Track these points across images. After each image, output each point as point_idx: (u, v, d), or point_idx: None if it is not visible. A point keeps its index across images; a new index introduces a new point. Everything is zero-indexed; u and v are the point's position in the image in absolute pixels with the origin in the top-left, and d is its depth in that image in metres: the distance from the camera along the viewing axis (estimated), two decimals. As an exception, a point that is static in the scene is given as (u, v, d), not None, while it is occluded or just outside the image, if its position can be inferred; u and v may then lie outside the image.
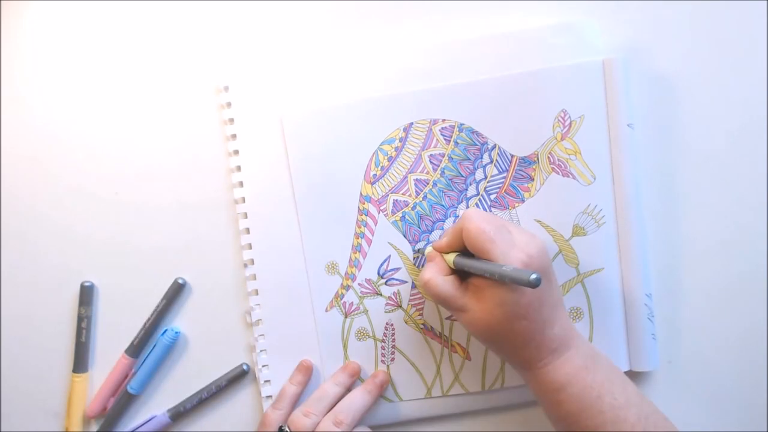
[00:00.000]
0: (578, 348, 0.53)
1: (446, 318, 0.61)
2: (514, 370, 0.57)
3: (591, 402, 0.50)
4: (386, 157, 0.60)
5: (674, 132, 0.60)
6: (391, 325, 0.61)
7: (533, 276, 0.46)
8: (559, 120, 0.59)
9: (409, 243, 0.60)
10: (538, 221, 0.59)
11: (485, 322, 0.51)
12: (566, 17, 0.59)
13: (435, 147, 0.59)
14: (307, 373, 0.61)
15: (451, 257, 0.54)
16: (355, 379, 0.61)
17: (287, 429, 0.57)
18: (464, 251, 0.53)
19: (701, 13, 0.60)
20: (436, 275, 0.53)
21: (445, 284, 0.52)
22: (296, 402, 0.60)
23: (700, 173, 0.60)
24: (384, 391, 0.61)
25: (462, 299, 0.52)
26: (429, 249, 0.57)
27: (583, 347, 0.53)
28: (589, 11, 0.60)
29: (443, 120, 0.59)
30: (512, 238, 0.51)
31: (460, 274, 0.54)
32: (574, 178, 0.59)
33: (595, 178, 0.58)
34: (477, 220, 0.51)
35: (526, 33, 0.59)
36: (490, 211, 0.59)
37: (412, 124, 0.59)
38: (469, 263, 0.52)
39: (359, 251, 0.60)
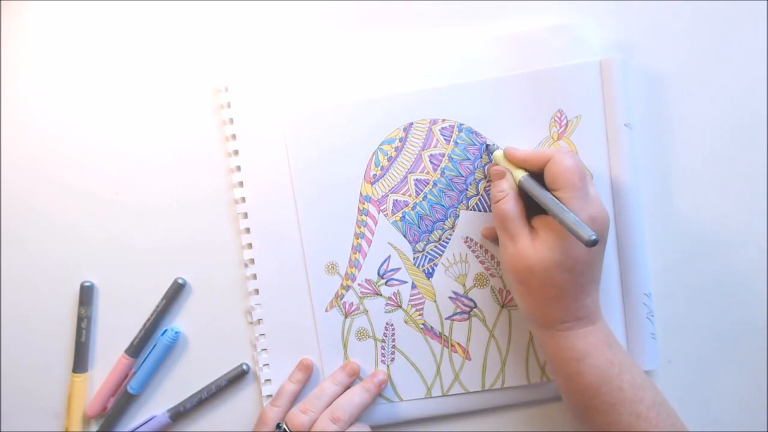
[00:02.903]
0: (601, 325, 0.53)
1: (446, 318, 0.61)
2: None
3: (612, 377, 0.50)
4: (386, 157, 0.60)
5: (672, 132, 0.60)
6: (391, 325, 0.61)
7: (593, 236, 0.46)
8: (555, 120, 0.59)
9: (409, 243, 0.60)
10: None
11: (529, 258, 0.51)
12: (564, 18, 0.60)
13: (435, 147, 0.60)
14: (306, 372, 0.61)
15: (519, 174, 0.53)
16: (354, 378, 0.61)
17: (285, 426, 0.57)
18: (533, 175, 0.53)
19: (698, 13, 0.60)
20: (512, 191, 0.53)
21: (517, 205, 0.53)
22: (295, 400, 0.60)
23: (698, 172, 0.60)
24: (383, 390, 0.61)
25: (520, 228, 0.52)
26: (500, 153, 0.56)
27: (606, 326, 0.53)
28: (587, 12, 0.60)
29: (443, 120, 0.59)
30: (589, 192, 0.51)
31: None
32: (573, 178, 0.59)
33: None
34: (572, 158, 0.51)
35: (525, 34, 0.59)
36: (490, 211, 0.59)
37: (412, 124, 0.60)
38: (537, 190, 0.51)
39: (359, 251, 0.60)
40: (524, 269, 0.51)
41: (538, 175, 0.53)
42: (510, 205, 0.53)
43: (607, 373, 0.50)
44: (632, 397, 0.50)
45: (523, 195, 0.54)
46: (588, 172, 0.55)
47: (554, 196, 0.51)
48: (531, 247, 0.51)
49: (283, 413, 0.59)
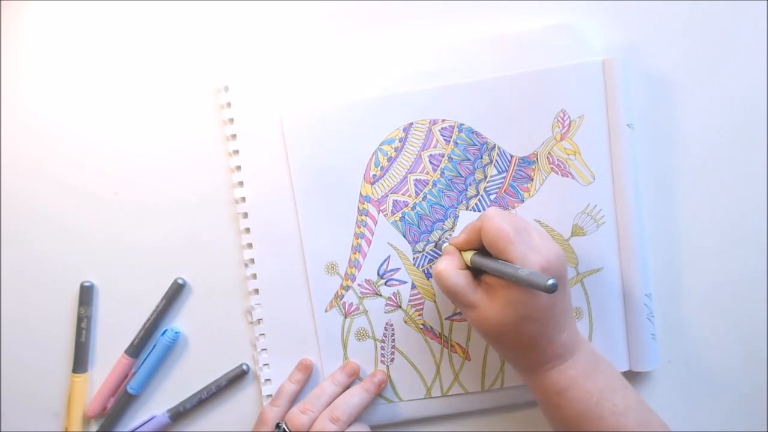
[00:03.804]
0: (582, 353, 0.53)
1: (446, 318, 0.61)
2: (515, 371, 0.57)
3: (591, 407, 0.50)
4: (386, 158, 0.60)
5: (673, 132, 0.60)
6: (391, 325, 0.61)
7: (550, 281, 0.45)
8: (558, 120, 0.59)
9: (409, 243, 0.60)
10: (538, 221, 0.59)
11: (494, 320, 0.50)
12: (566, 18, 0.59)
13: (435, 147, 0.59)
14: (306, 372, 0.61)
15: (468, 255, 0.53)
16: (354, 378, 0.61)
17: (284, 426, 0.57)
18: (481, 249, 0.53)
19: (700, 13, 0.60)
20: (450, 267, 0.52)
21: (458, 277, 0.52)
22: (294, 400, 0.60)
23: (699, 173, 0.60)
24: (382, 390, 0.61)
25: (473, 295, 0.51)
26: (446, 245, 0.56)
27: (587, 353, 0.53)
28: (589, 12, 0.60)
29: (443, 120, 0.59)
30: (532, 241, 0.51)
31: (475, 272, 0.53)
32: (573, 178, 0.59)
33: (594, 178, 0.58)
34: (497, 220, 0.51)
35: (526, 34, 0.59)
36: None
37: (411, 124, 0.60)
38: (486, 263, 0.51)
39: (359, 251, 0.60)
40: (491, 330, 0.51)
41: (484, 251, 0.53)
42: (453, 280, 0.52)
43: (586, 404, 0.50)
44: (614, 424, 0.50)
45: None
46: (522, 221, 0.53)
47: (501, 259, 0.50)
48: (491, 309, 0.50)
49: (282, 413, 0.59)
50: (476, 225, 0.53)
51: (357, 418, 0.59)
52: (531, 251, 0.50)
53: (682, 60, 0.60)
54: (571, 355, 0.52)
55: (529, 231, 0.52)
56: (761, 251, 0.60)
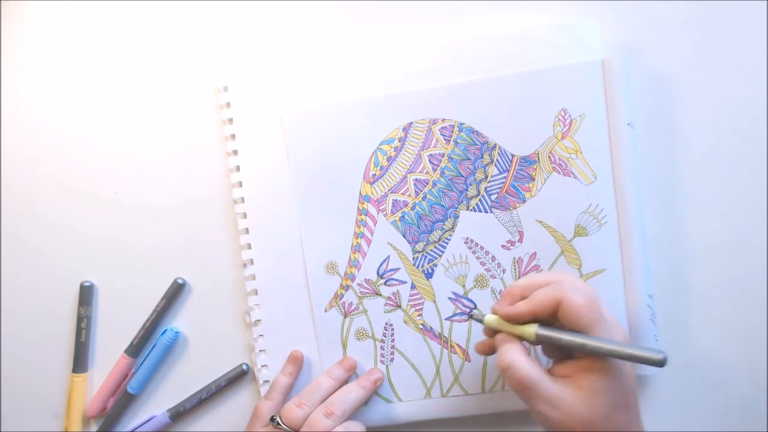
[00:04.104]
0: None
1: (446, 319, 0.60)
2: None
3: None
4: (385, 157, 0.60)
5: (674, 131, 0.60)
6: (391, 325, 0.61)
7: (662, 355, 0.41)
8: (559, 119, 0.58)
9: (409, 243, 0.60)
10: (540, 222, 0.59)
11: (581, 416, 0.43)
12: (566, 17, 0.59)
13: (435, 147, 0.59)
14: (297, 364, 0.61)
15: (528, 329, 0.47)
16: (351, 374, 0.60)
17: (279, 419, 0.57)
18: (541, 322, 0.47)
19: (700, 12, 0.59)
20: (521, 356, 0.45)
21: (533, 369, 0.45)
22: (288, 393, 0.60)
23: (700, 172, 0.60)
24: (379, 388, 0.61)
25: (554, 388, 0.44)
26: (490, 318, 0.50)
27: None
28: (589, 11, 0.59)
29: (443, 120, 0.59)
30: (608, 318, 0.46)
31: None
32: (575, 177, 0.58)
33: (596, 177, 0.58)
34: (583, 294, 0.45)
35: (527, 33, 0.59)
36: (491, 212, 0.59)
37: (411, 123, 0.59)
38: (564, 336, 0.45)
39: (358, 251, 0.60)
40: (581, 426, 0.44)
41: (545, 320, 0.48)
42: (528, 373, 0.45)
43: None
44: None
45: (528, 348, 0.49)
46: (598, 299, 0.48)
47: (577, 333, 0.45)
48: (577, 403, 0.44)
49: (276, 406, 0.59)
50: (546, 298, 0.47)
51: (352, 415, 0.59)
52: (611, 327, 0.45)
53: (683, 59, 0.60)
54: None
55: (603, 308, 0.47)
56: (762, 251, 0.60)
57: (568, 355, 0.48)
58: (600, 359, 0.45)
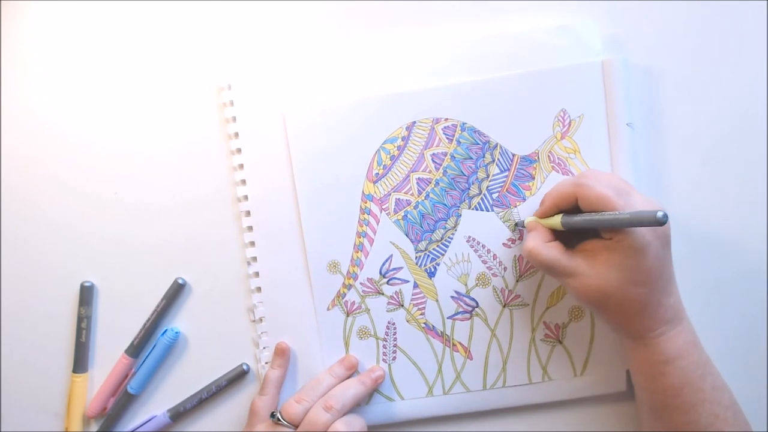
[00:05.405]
0: (688, 323, 0.52)
1: (448, 317, 0.61)
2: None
3: (695, 379, 0.51)
4: (388, 156, 0.60)
5: (671, 131, 0.61)
6: (393, 324, 0.61)
7: (660, 213, 0.44)
8: (558, 119, 0.59)
9: (411, 242, 0.60)
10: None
11: (597, 286, 0.50)
12: (566, 19, 0.60)
13: (437, 146, 0.60)
14: (283, 355, 0.61)
15: (556, 219, 0.53)
16: (352, 372, 0.61)
17: (279, 415, 0.57)
18: (568, 211, 0.53)
19: (700, 13, 0.60)
20: (539, 242, 0.52)
21: (551, 250, 0.52)
22: (281, 385, 0.60)
23: (699, 172, 0.61)
24: (379, 386, 0.61)
25: (571, 263, 0.51)
26: (529, 219, 0.56)
27: (690, 324, 0.53)
28: (589, 12, 0.60)
29: (446, 119, 0.60)
30: (633, 200, 0.50)
31: (565, 241, 0.53)
32: (572, 176, 0.59)
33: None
34: (599, 187, 0.50)
35: (527, 34, 0.59)
36: (492, 210, 0.60)
37: (414, 122, 0.60)
38: (580, 219, 0.50)
39: (361, 250, 0.60)
40: (596, 297, 0.50)
41: (573, 212, 0.53)
42: (546, 254, 0.52)
43: (691, 376, 0.51)
44: (712, 399, 0.50)
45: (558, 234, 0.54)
46: (623, 182, 0.52)
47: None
48: (593, 275, 0.50)
49: (272, 400, 0.59)
50: (565, 190, 0.53)
51: (351, 410, 0.59)
52: (634, 205, 0.49)
53: (682, 60, 0.60)
54: (680, 322, 0.51)
55: (629, 191, 0.51)
56: (761, 251, 0.61)
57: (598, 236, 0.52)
58: (622, 238, 0.49)
